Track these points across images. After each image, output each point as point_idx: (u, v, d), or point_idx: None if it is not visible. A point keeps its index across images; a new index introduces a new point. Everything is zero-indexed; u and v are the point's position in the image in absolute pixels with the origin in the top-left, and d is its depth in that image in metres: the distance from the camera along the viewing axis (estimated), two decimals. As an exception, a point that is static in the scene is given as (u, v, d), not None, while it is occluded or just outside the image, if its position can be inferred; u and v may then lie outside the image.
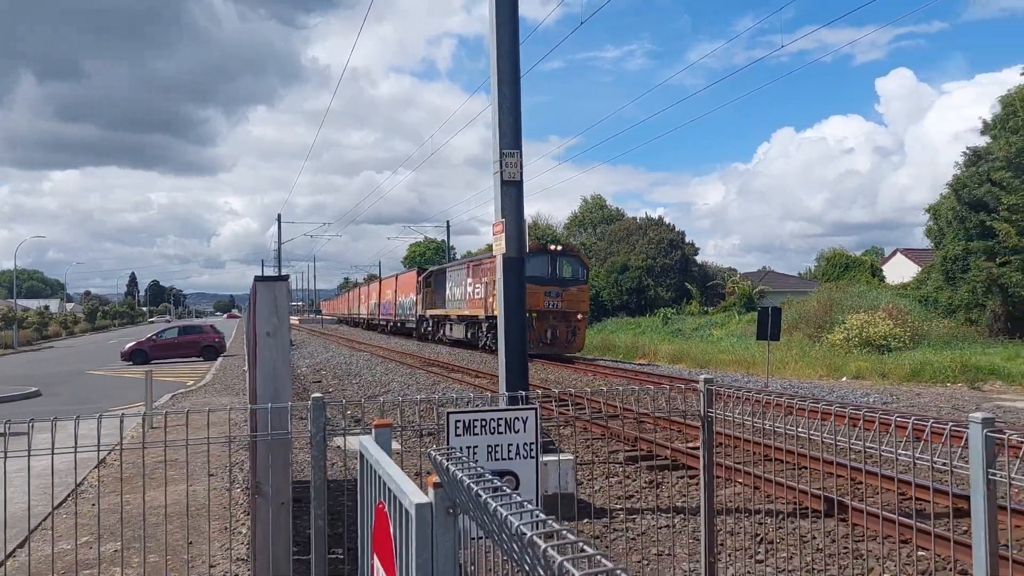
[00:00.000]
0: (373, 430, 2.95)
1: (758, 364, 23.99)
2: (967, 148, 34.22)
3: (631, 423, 10.72)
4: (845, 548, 6.64)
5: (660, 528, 7.26)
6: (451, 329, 36.32)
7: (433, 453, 2.43)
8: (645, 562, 6.53)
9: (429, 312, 40.51)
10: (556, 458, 7.53)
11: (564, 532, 1.62)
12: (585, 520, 7.33)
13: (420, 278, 42.61)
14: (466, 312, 33.08)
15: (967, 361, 21.38)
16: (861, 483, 8.65)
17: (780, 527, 7.24)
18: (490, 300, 29.45)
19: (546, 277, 29.23)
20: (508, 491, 1.95)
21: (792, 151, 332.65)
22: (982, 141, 33.79)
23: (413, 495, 2.13)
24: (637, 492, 8.90)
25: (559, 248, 31.01)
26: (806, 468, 8.71)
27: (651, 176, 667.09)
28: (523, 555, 1.67)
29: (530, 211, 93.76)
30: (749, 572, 6.21)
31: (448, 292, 36.32)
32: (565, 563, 1.44)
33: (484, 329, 30.96)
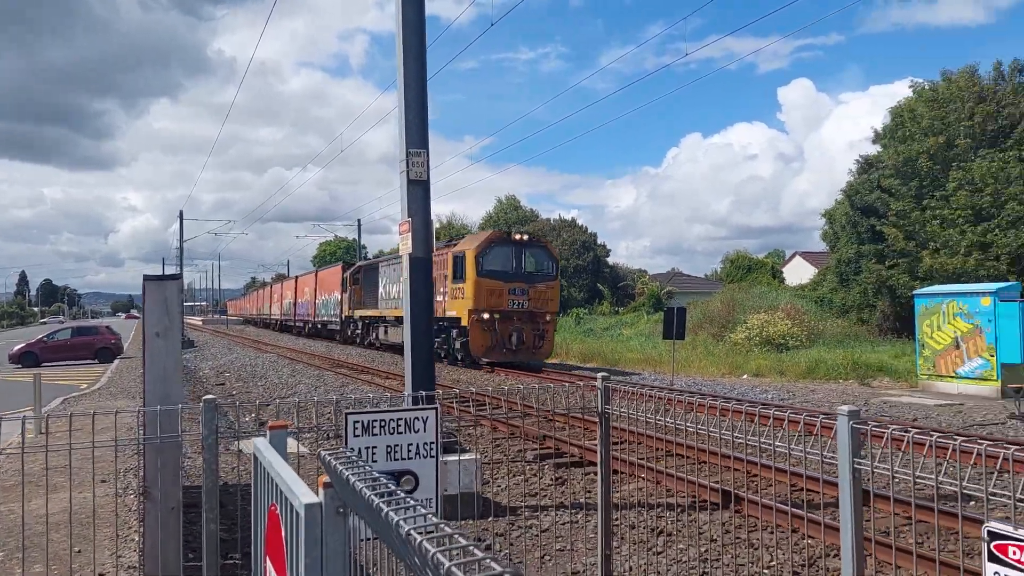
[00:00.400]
0: (268, 432, 2.92)
1: (665, 362, 24.66)
2: (860, 156, 35.90)
3: (539, 421, 10.84)
4: (739, 538, 6.92)
5: (563, 524, 7.39)
6: (386, 332, 31.75)
7: (323, 453, 2.43)
8: (547, 557, 6.65)
9: (358, 313, 36.10)
10: (457, 458, 7.56)
11: (442, 526, 1.65)
12: (490, 519, 7.38)
13: (347, 274, 38.25)
14: None
15: (858, 359, 22.55)
16: (756, 475, 9.02)
17: (678, 520, 7.48)
18: (440, 299, 25.03)
19: (510, 272, 24.80)
20: (392, 488, 1.98)
21: (700, 156, 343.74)
22: (874, 150, 35.47)
23: (303, 495, 2.12)
24: (543, 489, 9.03)
25: (525, 238, 26.02)
26: (699, 462, 9.03)
27: (564, 178, 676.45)
28: (401, 549, 1.70)
29: (444, 210, 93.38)
30: (646, 564, 6.40)
31: (382, 290, 32.09)
32: (438, 554, 1.48)
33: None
